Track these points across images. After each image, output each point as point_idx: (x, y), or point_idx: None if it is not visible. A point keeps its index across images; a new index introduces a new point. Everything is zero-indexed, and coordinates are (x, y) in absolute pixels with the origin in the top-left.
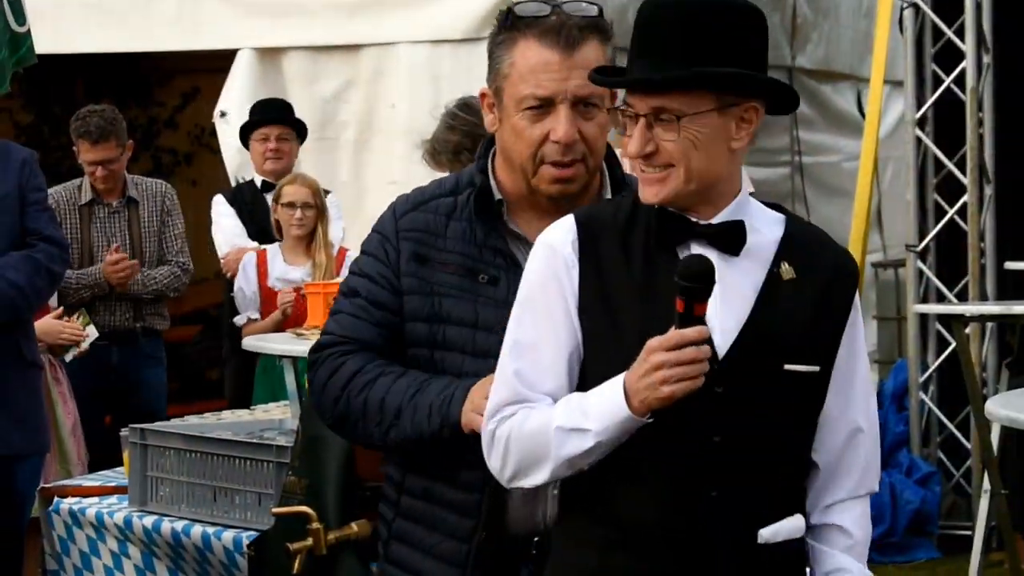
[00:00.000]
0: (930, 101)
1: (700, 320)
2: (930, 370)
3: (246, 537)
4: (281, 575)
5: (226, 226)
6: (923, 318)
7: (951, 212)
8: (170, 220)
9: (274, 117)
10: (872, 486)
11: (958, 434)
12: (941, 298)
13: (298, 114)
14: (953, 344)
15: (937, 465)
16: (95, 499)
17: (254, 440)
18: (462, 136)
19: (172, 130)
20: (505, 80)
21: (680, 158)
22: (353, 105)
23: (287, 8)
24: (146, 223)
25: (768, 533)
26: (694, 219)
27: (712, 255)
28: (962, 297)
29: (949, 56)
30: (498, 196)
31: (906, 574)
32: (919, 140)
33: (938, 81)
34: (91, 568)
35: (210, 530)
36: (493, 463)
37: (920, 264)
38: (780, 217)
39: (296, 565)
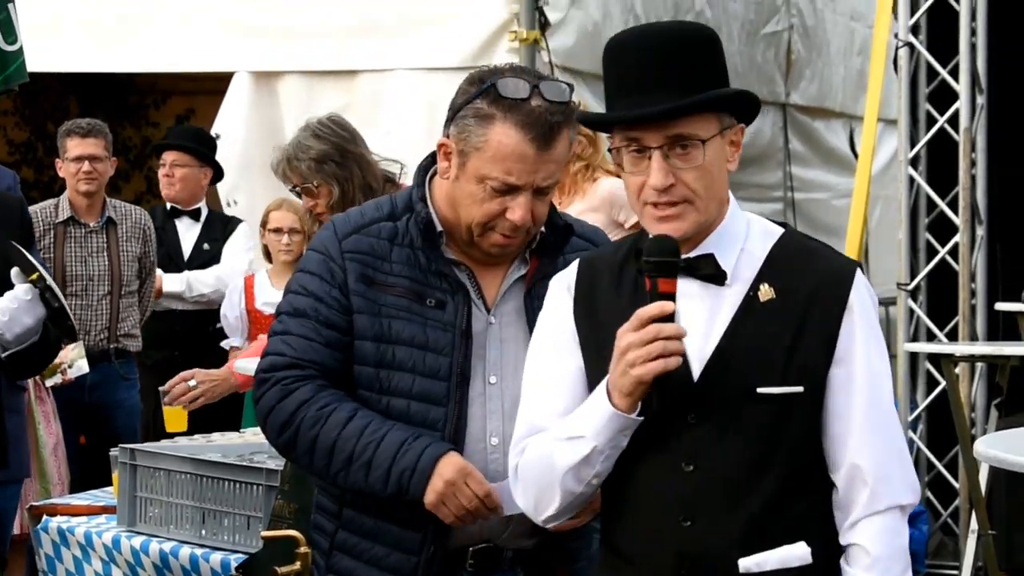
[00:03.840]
0: (923, 140)
1: (667, 297)
2: (919, 409)
3: (234, 560)
4: None
5: None
6: (913, 357)
7: (943, 252)
8: (149, 249)
9: (172, 143)
10: (895, 499)
11: (946, 474)
12: (931, 337)
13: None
14: (943, 384)
15: (925, 504)
16: (84, 518)
17: (244, 463)
18: (330, 146)
19: None
20: (474, 151)
21: (699, 188)
22: None
23: (284, 32)
24: (125, 245)
25: (751, 563)
26: None
27: (694, 286)
28: (952, 337)
29: (943, 96)
30: (439, 228)
31: None
32: (912, 179)
33: (932, 121)
34: None
35: (198, 552)
36: (520, 500)
37: (911, 303)
38: (775, 233)
39: None
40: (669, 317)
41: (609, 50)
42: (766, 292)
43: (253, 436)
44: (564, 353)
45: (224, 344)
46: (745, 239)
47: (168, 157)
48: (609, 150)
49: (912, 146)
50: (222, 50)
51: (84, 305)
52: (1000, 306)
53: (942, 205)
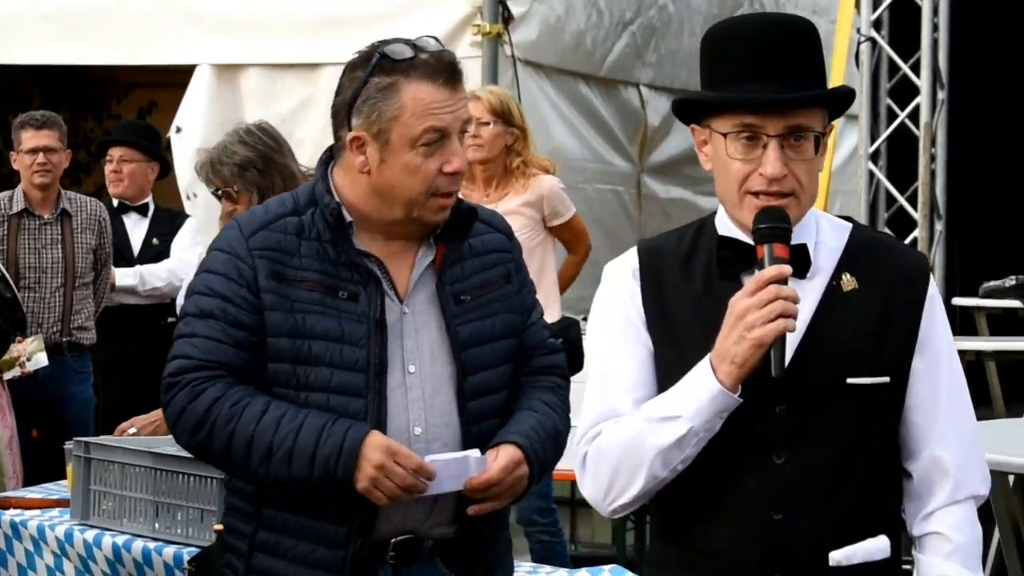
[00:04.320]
0: (884, 135)
1: (782, 263)
2: None
3: (187, 553)
4: None
5: None
6: None
7: None
8: (105, 241)
9: (116, 140)
10: (974, 490)
11: None
12: None
13: None
14: None
15: None
16: (37, 512)
17: None
18: (255, 153)
19: None
20: (394, 122)
21: (805, 182)
22: (310, 124)
23: (246, 25)
24: (79, 237)
25: (841, 556)
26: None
27: None
28: None
29: (904, 91)
30: (348, 218)
31: None
32: (871, 174)
33: (892, 116)
34: None
35: (151, 545)
36: (586, 487)
37: None
38: (846, 226)
39: None
40: (783, 282)
41: (717, 36)
42: (848, 282)
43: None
44: (635, 337)
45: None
46: (817, 232)
47: (115, 153)
48: (725, 134)
49: (872, 141)
50: (184, 43)
51: (37, 298)
52: (957, 301)
53: (901, 200)
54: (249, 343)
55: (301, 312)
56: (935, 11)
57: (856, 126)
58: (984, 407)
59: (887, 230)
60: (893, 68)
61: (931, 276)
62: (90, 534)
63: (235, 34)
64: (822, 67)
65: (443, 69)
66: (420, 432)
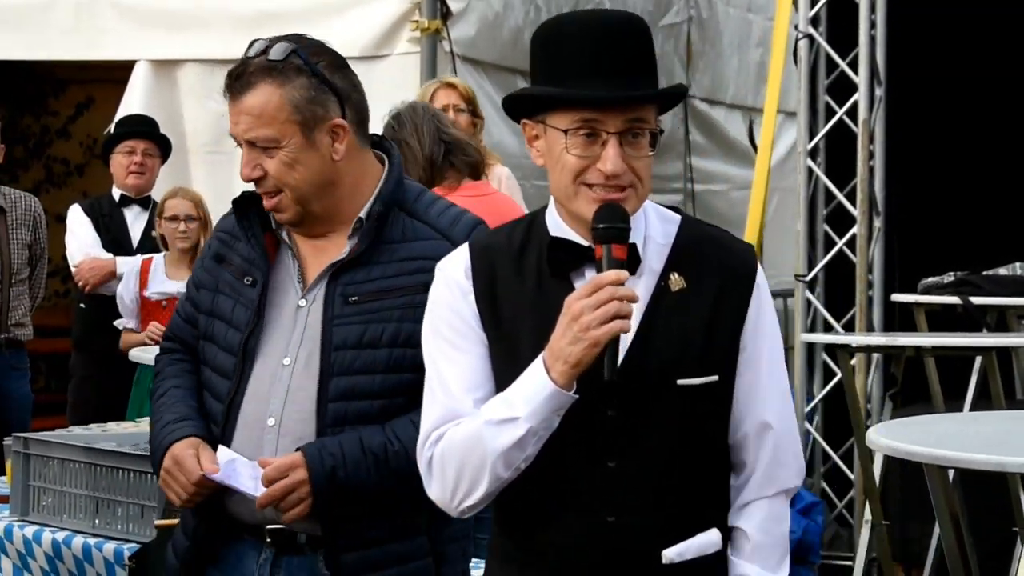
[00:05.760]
0: (822, 132)
1: (620, 264)
2: (815, 400)
3: (127, 549)
4: None
5: (81, 235)
6: (810, 348)
7: (840, 243)
8: (39, 236)
9: (141, 131)
10: (785, 483)
11: (842, 465)
12: (828, 328)
13: (192, 128)
14: (839, 375)
15: (820, 495)
16: None
17: (138, 451)
18: (397, 121)
19: (65, 140)
20: None
21: (644, 177)
22: None
23: (184, 20)
24: (14, 233)
25: (673, 553)
26: (587, 243)
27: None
28: (849, 328)
29: (842, 88)
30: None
31: None
32: (810, 171)
33: (831, 112)
34: None
35: (91, 541)
36: (433, 491)
37: (808, 294)
38: (675, 219)
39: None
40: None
41: (552, 32)
42: (676, 281)
43: (148, 425)
44: (470, 336)
45: (117, 324)
46: (646, 226)
47: (139, 146)
48: (565, 131)
49: (811, 138)
50: (122, 39)
51: None
52: (896, 297)
53: (840, 197)
54: (194, 319)
55: (220, 292)
56: (872, 8)
57: (795, 123)
58: (923, 402)
59: (827, 227)
60: (831, 65)
61: (759, 268)
62: (29, 530)
63: (172, 29)
64: (655, 64)
65: (231, 76)
66: (273, 424)
